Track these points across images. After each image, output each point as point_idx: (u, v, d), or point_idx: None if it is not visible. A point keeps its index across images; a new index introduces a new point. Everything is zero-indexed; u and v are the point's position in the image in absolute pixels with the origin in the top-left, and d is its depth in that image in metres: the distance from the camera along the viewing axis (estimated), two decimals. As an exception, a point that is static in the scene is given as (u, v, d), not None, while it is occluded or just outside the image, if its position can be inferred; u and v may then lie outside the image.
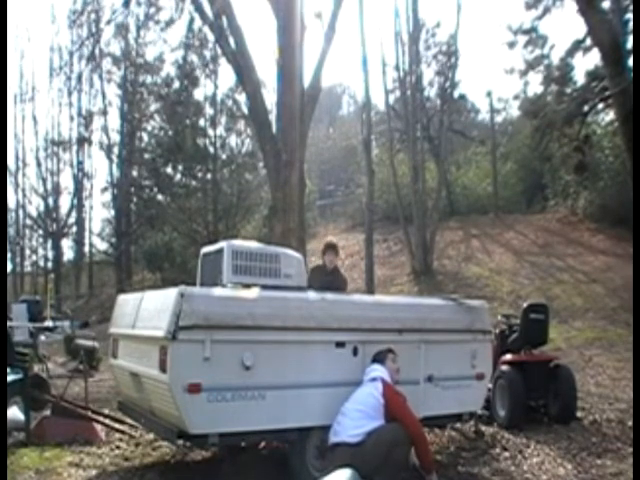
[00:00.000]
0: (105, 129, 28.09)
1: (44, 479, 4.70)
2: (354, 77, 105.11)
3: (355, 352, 4.57)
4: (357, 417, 4.18)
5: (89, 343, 11.26)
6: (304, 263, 5.93)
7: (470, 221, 20.92)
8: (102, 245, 30.91)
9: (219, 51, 16.58)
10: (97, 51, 26.51)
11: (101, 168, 79.48)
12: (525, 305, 6.96)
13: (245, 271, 5.03)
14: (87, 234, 32.60)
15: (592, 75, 15.58)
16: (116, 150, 27.94)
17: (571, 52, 16.88)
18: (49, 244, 32.12)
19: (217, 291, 4.38)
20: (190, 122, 24.38)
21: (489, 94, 40.43)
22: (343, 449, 4.09)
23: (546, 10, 17.73)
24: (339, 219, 27.18)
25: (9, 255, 33.17)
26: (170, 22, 26.83)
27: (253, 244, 5.60)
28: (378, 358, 4.52)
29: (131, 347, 4.82)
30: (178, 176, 25.64)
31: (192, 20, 24.14)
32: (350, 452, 4.04)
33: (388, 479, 4.05)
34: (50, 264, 32.39)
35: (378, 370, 4.41)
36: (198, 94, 24.92)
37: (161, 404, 4.21)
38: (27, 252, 37.19)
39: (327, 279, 5.96)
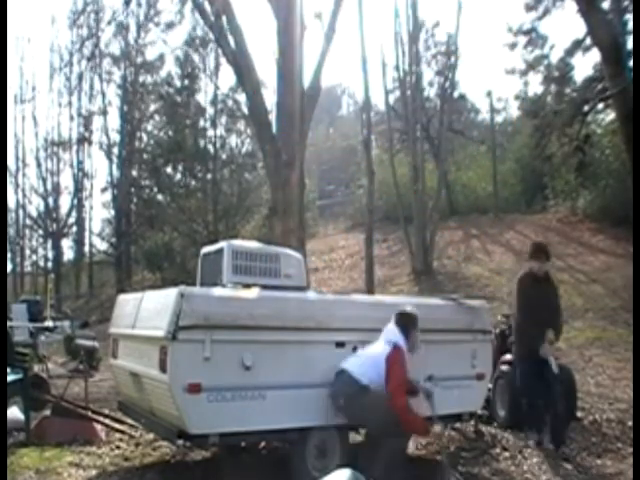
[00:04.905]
0: (105, 129, 28.14)
1: (44, 479, 4.70)
2: (354, 77, 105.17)
3: (355, 352, 4.57)
4: (367, 364, 4.31)
5: (89, 343, 11.26)
6: (304, 263, 5.93)
7: (470, 221, 20.91)
8: (102, 245, 30.93)
9: (219, 51, 16.59)
10: (97, 51, 26.56)
11: (101, 168, 79.52)
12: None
13: (245, 271, 5.03)
14: (87, 234, 32.65)
15: (591, 79, 15.63)
16: (116, 150, 27.96)
17: (571, 52, 16.90)
18: (49, 244, 32.12)
19: (217, 291, 4.38)
20: (190, 122, 24.40)
21: (489, 94, 40.52)
22: (350, 378, 4.25)
23: (546, 11, 17.75)
24: (339, 219, 27.18)
25: (9, 255, 33.19)
26: (170, 25, 26.89)
27: (253, 244, 5.61)
28: (402, 323, 4.52)
29: (131, 347, 4.82)
30: (178, 176, 25.67)
31: (194, 28, 24.28)
32: (355, 387, 4.22)
33: (383, 471, 4.06)
34: (50, 264, 32.39)
35: (396, 336, 4.43)
36: (198, 94, 24.98)
37: (161, 404, 4.21)
38: (27, 252, 37.23)
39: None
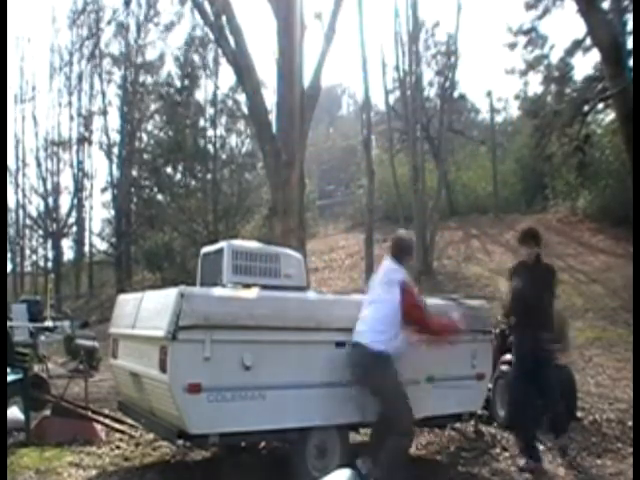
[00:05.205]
0: (105, 129, 28.15)
1: (44, 479, 4.70)
2: (354, 77, 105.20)
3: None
4: (378, 329, 4.29)
5: (89, 343, 11.25)
6: (304, 263, 5.93)
7: (470, 221, 20.92)
8: (102, 245, 30.92)
9: (220, 51, 16.59)
10: (97, 51, 26.57)
11: (101, 168, 79.52)
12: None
13: (245, 271, 5.03)
14: (87, 234, 32.62)
15: (591, 79, 15.64)
16: (116, 150, 27.96)
17: (571, 52, 16.90)
18: (49, 244, 32.11)
19: (217, 291, 4.38)
20: (190, 122, 24.39)
21: (489, 94, 40.50)
22: (365, 348, 4.26)
23: (546, 10, 17.75)
24: (339, 219, 27.19)
25: (9, 255, 33.17)
26: (170, 25, 26.91)
27: (253, 244, 5.60)
28: (397, 253, 4.55)
29: (131, 347, 4.82)
30: (178, 176, 25.66)
31: (194, 28, 24.30)
32: (372, 355, 4.22)
33: (386, 471, 4.09)
34: (50, 264, 32.39)
35: (398, 271, 4.43)
36: (198, 94, 25.00)
37: (161, 404, 4.21)
38: (27, 252, 37.19)
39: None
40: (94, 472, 4.87)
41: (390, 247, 4.65)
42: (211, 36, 14.55)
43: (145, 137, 27.87)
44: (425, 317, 4.40)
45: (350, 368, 4.36)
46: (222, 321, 4.03)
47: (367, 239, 16.10)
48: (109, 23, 23.99)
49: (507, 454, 5.40)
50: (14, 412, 5.96)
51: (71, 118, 31.14)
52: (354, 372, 4.35)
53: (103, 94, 28.60)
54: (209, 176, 24.01)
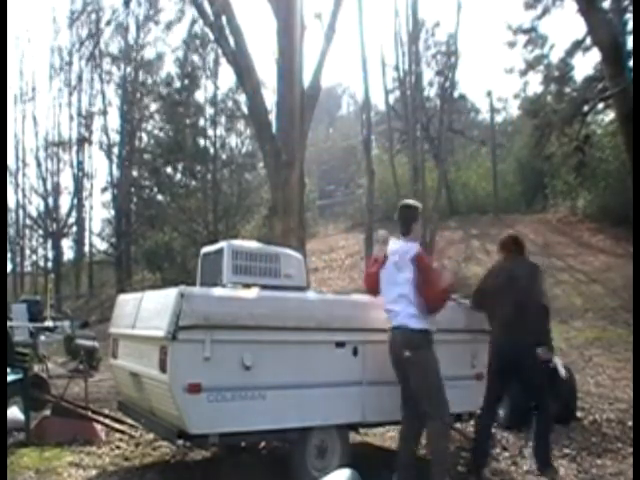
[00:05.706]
0: (105, 129, 28.14)
1: (44, 479, 4.70)
2: (354, 77, 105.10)
3: (355, 352, 4.56)
4: (412, 308, 4.29)
5: (89, 343, 11.24)
6: (304, 263, 5.93)
7: (470, 221, 20.91)
8: (102, 245, 30.92)
9: (220, 51, 16.60)
10: (97, 51, 26.58)
11: (101, 168, 79.48)
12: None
13: (245, 271, 5.02)
14: (87, 234, 32.62)
15: (591, 79, 15.66)
16: (116, 150, 27.96)
17: (571, 52, 16.91)
18: (49, 244, 32.12)
19: (217, 291, 4.38)
20: (190, 122, 24.39)
21: (489, 94, 40.54)
22: (408, 330, 4.26)
23: (546, 10, 17.77)
24: (339, 219, 27.18)
25: (9, 255, 33.18)
26: (170, 24, 26.92)
27: (253, 244, 5.60)
28: (405, 230, 4.58)
29: (131, 347, 4.82)
30: (178, 176, 25.64)
31: (193, 23, 24.27)
32: (418, 335, 4.25)
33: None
34: (50, 264, 32.39)
35: (412, 248, 4.42)
36: (198, 94, 25.00)
37: (161, 404, 4.21)
38: (27, 252, 37.19)
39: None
40: (94, 472, 4.87)
41: (398, 220, 4.65)
42: (211, 36, 14.55)
43: (145, 137, 27.89)
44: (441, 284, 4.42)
45: (396, 351, 4.30)
46: (222, 321, 4.03)
47: (367, 239, 16.07)
48: (109, 23, 24.04)
49: (507, 454, 5.40)
50: (14, 412, 5.96)
51: (71, 118, 31.20)
52: (400, 355, 4.28)
53: (103, 94, 28.65)
54: (209, 176, 24.00)
